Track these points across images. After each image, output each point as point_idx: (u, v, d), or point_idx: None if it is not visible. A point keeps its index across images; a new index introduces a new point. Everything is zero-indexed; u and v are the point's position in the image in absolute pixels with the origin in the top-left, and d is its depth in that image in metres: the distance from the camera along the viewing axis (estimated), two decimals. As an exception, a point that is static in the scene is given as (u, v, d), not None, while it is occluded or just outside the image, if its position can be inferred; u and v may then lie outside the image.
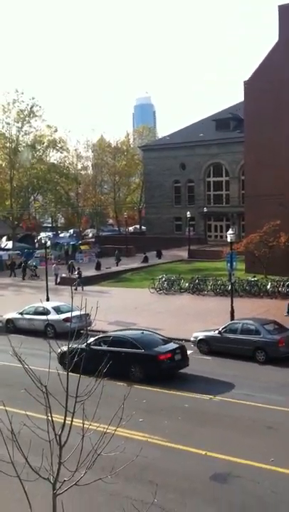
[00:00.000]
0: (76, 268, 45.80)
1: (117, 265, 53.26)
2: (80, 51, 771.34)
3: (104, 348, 19.72)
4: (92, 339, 21.02)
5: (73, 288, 44.05)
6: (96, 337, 21.55)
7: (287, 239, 37.85)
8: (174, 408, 17.47)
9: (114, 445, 6.97)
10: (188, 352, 24.47)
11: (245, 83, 44.18)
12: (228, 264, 29.38)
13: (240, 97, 47.73)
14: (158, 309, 34.26)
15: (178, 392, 19.03)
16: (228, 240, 29.72)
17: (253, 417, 16.55)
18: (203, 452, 13.99)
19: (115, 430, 6.74)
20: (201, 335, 24.59)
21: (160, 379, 19.81)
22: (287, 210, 39.50)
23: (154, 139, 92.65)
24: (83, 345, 17.34)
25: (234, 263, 29.28)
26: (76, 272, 43.38)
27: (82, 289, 38.94)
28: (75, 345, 6.50)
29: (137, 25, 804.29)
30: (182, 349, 20.98)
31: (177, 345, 21.11)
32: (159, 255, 57.20)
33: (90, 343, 20.20)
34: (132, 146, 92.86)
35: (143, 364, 19.98)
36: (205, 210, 68.14)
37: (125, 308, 34.18)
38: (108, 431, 6.49)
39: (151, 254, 56.99)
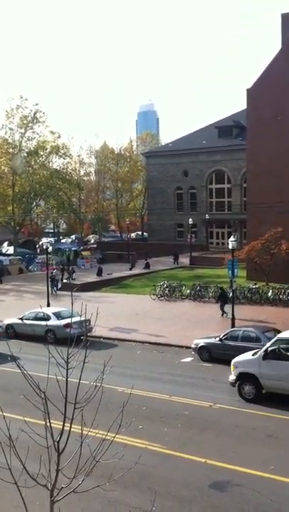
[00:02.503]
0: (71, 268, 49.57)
1: (131, 269, 53.60)
2: (84, 57, 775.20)
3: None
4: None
5: (69, 278, 45.97)
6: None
7: (289, 246, 37.84)
8: (174, 415, 17.41)
9: (113, 452, 6.94)
10: (189, 359, 24.55)
11: (248, 91, 44.29)
12: (230, 272, 29.36)
13: (243, 105, 47.82)
14: (159, 316, 34.21)
15: (178, 399, 18.97)
16: (230, 247, 29.72)
17: (253, 424, 16.48)
18: (203, 460, 13.93)
19: (114, 437, 6.72)
20: (201, 342, 24.54)
21: None
22: (288, 217, 39.49)
23: (157, 146, 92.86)
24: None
25: (235, 270, 29.27)
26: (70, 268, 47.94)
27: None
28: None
29: (140, 33, 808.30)
30: None
31: None
32: (176, 259, 57.13)
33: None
34: (135, 152, 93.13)
35: None
36: (207, 216, 68.18)
37: (126, 314, 34.14)
38: (107, 438, 6.47)
39: (156, 261, 57.07)
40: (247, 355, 19.33)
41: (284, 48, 41.56)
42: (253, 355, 18.95)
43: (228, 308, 30.38)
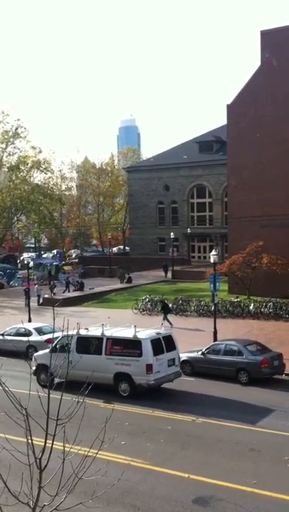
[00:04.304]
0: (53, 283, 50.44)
1: (122, 282, 53.89)
2: (65, 73, 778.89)
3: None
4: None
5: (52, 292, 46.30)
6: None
7: (270, 260, 38.15)
8: (157, 430, 17.34)
9: (96, 468, 6.91)
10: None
11: (228, 107, 44.87)
12: (211, 285, 29.50)
13: (223, 120, 48.42)
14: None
15: (161, 413, 18.91)
16: (212, 260, 29.89)
17: (235, 438, 16.49)
18: (186, 475, 13.88)
19: (97, 453, 6.69)
20: (184, 356, 24.51)
21: None
22: (269, 231, 39.91)
23: (139, 161, 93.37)
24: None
25: (217, 284, 29.41)
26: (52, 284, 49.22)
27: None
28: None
29: (121, 49, 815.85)
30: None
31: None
32: (166, 271, 57.44)
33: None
34: (116, 167, 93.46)
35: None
36: (188, 231, 68.55)
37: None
38: (90, 454, 6.44)
39: (138, 275, 57.18)
40: (44, 351, 23.00)
41: (263, 64, 42.28)
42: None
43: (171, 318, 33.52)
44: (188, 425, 17.85)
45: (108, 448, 7.70)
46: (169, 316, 37.43)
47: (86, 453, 6.42)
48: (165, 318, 34.21)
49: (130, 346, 20.43)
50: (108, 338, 20.92)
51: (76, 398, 6.36)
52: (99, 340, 21.11)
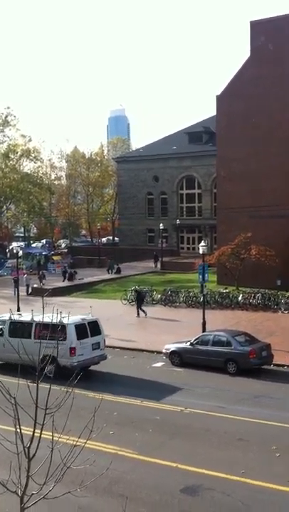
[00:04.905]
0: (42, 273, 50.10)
1: (110, 273, 53.75)
2: (55, 61, 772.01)
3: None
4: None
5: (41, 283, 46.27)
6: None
7: (259, 251, 38.26)
8: (145, 420, 17.39)
9: (84, 458, 6.89)
10: (160, 364, 24.57)
11: (218, 97, 44.75)
12: (200, 276, 29.53)
13: (212, 111, 48.26)
14: (130, 321, 34.17)
15: (149, 404, 18.96)
16: (201, 252, 29.90)
17: (223, 428, 16.58)
18: (174, 464, 13.94)
19: (85, 443, 6.67)
20: (172, 347, 24.59)
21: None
22: (257, 222, 39.99)
23: (128, 151, 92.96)
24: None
25: (206, 275, 29.46)
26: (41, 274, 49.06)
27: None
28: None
29: (111, 39, 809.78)
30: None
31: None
32: (156, 262, 57.56)
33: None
34: (106, 157, 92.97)
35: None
36: (178, 222, 68.50)
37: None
38: (78, 443, 6.42)
39: (127, 266, 57.13)
40: None
41: (252, 55, 42.12)
42: None
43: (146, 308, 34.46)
44: (177, 415, 17.91)
45: (96, 437, 7.68)
46: (159, 307, 37.56)
47: (75, 442, 6.40)
48: (139, 307, 34.58)
49: (56, 331, 21.51)
50: (37, 323, 22.01)
51: (65, 388, 6.33)
52: (29, 325, 22.42)
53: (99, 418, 6.92)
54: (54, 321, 22.07)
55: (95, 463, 8.40)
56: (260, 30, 41.56)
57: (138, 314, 34.53)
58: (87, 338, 21.93)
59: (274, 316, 33.11)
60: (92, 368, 22.92)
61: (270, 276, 38.16)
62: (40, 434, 5.89)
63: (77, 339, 21.31)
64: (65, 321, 21.48)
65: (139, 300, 35.06)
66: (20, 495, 5.88)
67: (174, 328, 30.49)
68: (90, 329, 22.14)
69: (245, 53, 42.97)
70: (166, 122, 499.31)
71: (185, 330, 28.78)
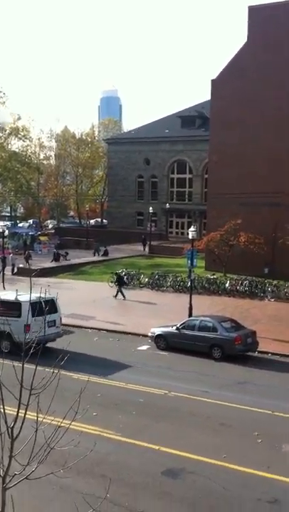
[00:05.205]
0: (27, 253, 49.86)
1: (95, 255, 53.65)
2: (47, 40, 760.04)
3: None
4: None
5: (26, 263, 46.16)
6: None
7: (247, 238, 38.28)
8: (129, 402, 17.40)
9: (68, 439, 6.81)
10: (145, 347, 24.58)
11: (213, 82, 44.35)
12: (189, 261, 29.49)
13: (206, 96, 47.90)
14: (116, 303, 34.14)
15: (133, 386, 18.96)
16: (190, 236, 29.82)
17: (206, 413, 16.64)
18: (157, 447, 13.98)
19: (70, 424, 6.58)
20: (158, 330, 24.60)
21: None
22: (247, 210, 39.95)
23: (120, 133, 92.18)
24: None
25: (194, 260, 29.42)
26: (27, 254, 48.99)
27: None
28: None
29: (105, 19, 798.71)
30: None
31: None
32: (144, 245, 57.53)
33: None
34: (96, 138, 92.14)
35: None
36: (167, 206, 68.30)
37: (83, 301, 33.90)
38: (62, 425, 6.33)
39: (115, 248, 57.00)
40: None
41: (250, 40, 41.72)
42: None
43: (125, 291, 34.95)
44: (161, 399, 17.95)
45: (80, 419, 7.60)
46: (146, 291, 37.56)
47: (59, 424, 6.31)
48: (120, 291, 34.87)
49: (12, 308, 22.28)
50: None
51: (50, 369, 6.21)
52: None
53: (83, 400, 6.82)
54: (10, 298, 22.96)
55: (78, 444, 8.33)
56: (258, 15, 41.14)
57: (116, 295, 35.02)
58: (42, 315, 21.95)
59: (260, 303, 33.24)
60: (78, 349, 22.84)
61: (258, 264, 38.24)
62: (25, 414, 5.78)
63: (32, 316, 21.34)
64: (20, 298, 22.58)
65: (120, 283, 35.44)
66: (2, 475, 5.78)
67: (161, 312, 30.50)
68: (46, 307, 22.14)
69: (243, 38, 42.61)
70: (159, 105, 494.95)
71: (171, 314, 28.80)
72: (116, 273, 37.15)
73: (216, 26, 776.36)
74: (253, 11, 41.63)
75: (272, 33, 40.36)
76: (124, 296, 34.73)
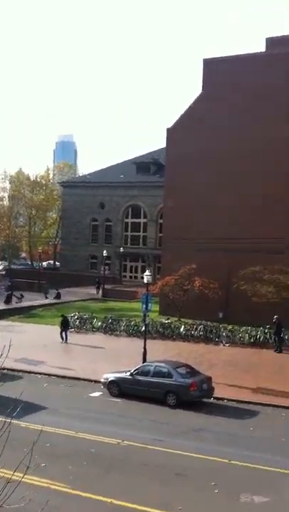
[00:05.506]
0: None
1: (46, 298, 52.55)
2: (4, 83, 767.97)
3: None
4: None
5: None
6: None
7: (202, 283, 38.33)
8: (80, 453, 16.53)
9: (16, 493, 6.16)
10: (98, 394, 23.75)
11: (168, 130, 45.25)
12: (143, 305, 29.10)
13: (161, 143, 48.81)
14: (68, 348, 33.21)
15: (85, 435, 18.11)
16: (145, 281, 29.53)
17: (161, 463, 15.96)
18: (109, 500, 13.19)
19: (22, 478, 5.99)
20: (111, 376, 23.86)
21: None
22: (202, 254, 40.19)
23: (75, 176, 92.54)
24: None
25: (149, 304, 29.08)
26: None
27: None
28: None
29: (62, 63, 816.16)
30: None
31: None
32: (98, 288, 56.62)
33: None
34: (51, 181, 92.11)
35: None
36: (121, 250, 68.28)
37: (34, 345, 32.84)
38: (8, 476, 5.74)
39: (68, 291, 56.12)
40: None
41: (205, 91, 42.99)
42: None
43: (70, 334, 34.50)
44: (113, 448, 17.16)
45: (28, 471, 6.96)
46: (99, 335, 36.82)
47: (10, 476, 5.71)
48: (63, 331, 34.08)
49: None
50: None
51: (2, 418, 5.66)
52: None
53: (29, 449, 6.25)
54: None
55: (24, 497, 7.63)
56: (213, 68, 42.57)
57: (62, 338, 34.14)
58: None
59: (215, 348, 33.01)
60: (26, 396, 21.78)
61: (213, 309, 38.26)
62: None
63: None
64: None
65: (65, 326, 34.48)
66: None
67: (114, 357, 29.76)
68: None
69: (198, 88, 43.86)
70: (114, 151, 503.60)
71: (125, 359, 28.12)
72: (62, 315, 36.18)
73: (172, 75, 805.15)
74: (208, 64, 43.10)
75: (226, 85, 41.74)
76: (63, 339, 33.89)
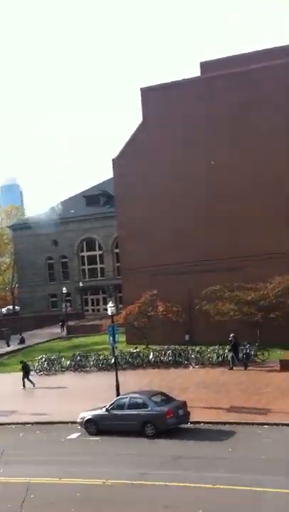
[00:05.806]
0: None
1: (8, 345, 51.36)
2: None
3: None
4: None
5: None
6: None
7: (165, 308, 38.43)
8: (66, 499, 16.16)
9: None
10: (76, 435, 23.31)
11: (114, 161, 45.69)
12: (110, 338, 28.94)
13: (108, 174, 49.24)
14: (39, 392, 32.54)
15: (69, 480, 17.72)
16: (109, 313, 29.34)
17: (148, 497, 15.77)
18: None
19: None
20: (87, 415, 23.52)
21: None
22: (162, 279, 40.38)
23: (23, 218, 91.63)
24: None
25: (116, 336, 28.94)
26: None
27: None
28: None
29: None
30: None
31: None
32: (63, 326, 55.87)
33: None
34: (0, 226, 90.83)
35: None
36: (80, 284, 67.84)
37: (2, 395, 32.11)
38: None
39: (31, 334, 55.17)
40: None
41: (145, 119, 43.65)
42: None
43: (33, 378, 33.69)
44: (99, 489, 16.84)
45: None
46: (69, 374, 36.29)
47: None
48: (26, 377, 33.52)
49: None
50: None
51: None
52: None
53: (13, 504, 6.09)
54: None
55: None
56: (150, 96, 43.21)
57: (24, 386, 33.45)
58: None
59: (185, 371, 32.98)
60: (2, 451, 21.19)
61: (178, 332, 38.31)
62: None
63: None
64: None
65: (26, 371, 33.87)
66: None
67: (87, 395, 29.31)
68: None
69: (138, 118, 44.46)
70: (60, 187, 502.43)
71: (99, 395, 27.76)
72: (21, 361, 35.51)
73: (113, 106, 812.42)
74: (145, 93, 43.69)
75: (165, 112, 42.41)
76: (24, 386, 33.30)
